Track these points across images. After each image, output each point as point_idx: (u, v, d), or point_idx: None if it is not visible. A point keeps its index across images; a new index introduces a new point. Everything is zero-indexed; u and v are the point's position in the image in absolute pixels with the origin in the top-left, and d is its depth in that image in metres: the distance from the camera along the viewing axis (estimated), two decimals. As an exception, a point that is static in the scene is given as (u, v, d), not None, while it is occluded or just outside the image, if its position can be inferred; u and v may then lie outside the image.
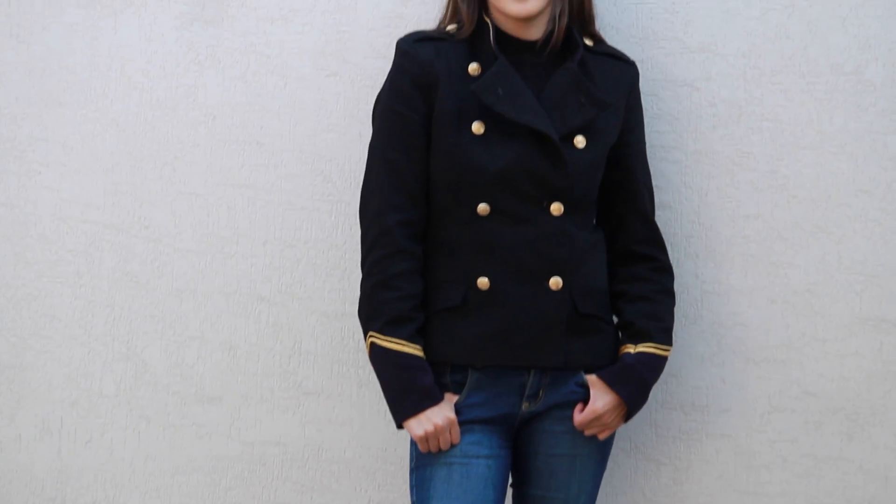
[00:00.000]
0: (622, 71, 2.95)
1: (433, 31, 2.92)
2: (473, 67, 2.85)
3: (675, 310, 2.98)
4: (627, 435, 3.17)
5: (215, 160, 3.27)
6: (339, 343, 3.25)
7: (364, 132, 3.18)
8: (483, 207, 2.83)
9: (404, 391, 2.81)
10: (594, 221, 2.96)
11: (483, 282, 2.82)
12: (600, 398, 2.87)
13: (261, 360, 3.28)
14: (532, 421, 2.89)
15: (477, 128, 2.83)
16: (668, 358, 2.93)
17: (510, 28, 2.88)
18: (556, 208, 2.83)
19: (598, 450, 2.92)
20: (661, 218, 3.02)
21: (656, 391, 3.10)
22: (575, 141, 2.85)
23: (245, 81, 3.26)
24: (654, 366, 2.91)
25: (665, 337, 2.92)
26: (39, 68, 3.31)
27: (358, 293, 2.89)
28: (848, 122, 3.10)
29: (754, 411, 3.15)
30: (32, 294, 3.33)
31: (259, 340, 3.28)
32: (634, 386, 2.88)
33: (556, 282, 2.83)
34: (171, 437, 3.30)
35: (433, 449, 2.82)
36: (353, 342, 3.24)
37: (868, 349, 3.11)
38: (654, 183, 3.01)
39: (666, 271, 2.97)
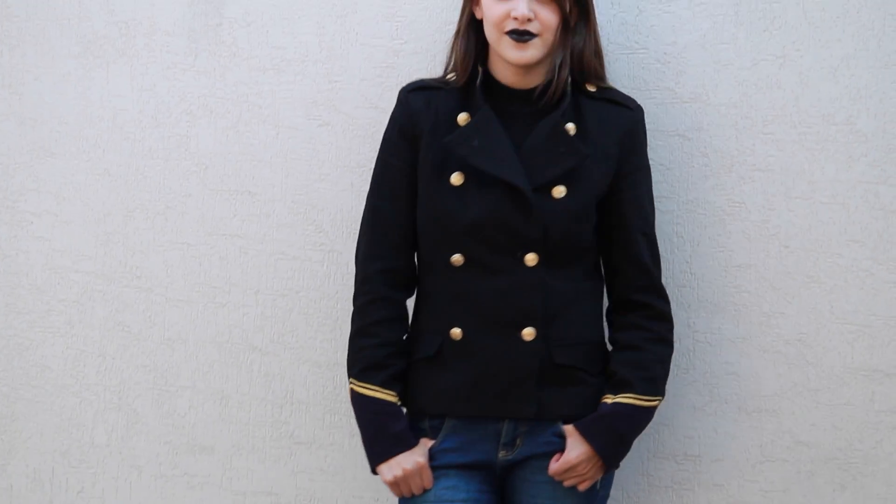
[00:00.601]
0: (619, 116, 2.91)
1: (433, 80, 2.94)
2: (463, 117, 2.86)
3: (667, 359, 2.97)
4: (620, 484, 3.16)
5: (207, 210, 3.27)
6: (330, 393, 3.25)
7: (356, 182, 3.19)
8: (457, 258, 2.84)
9: (376, 437, 2.85)
10: (589, 270, 2.93)
11: (456, 332, 2.84)
12: (574, 449, 2.85)
13: (253, 409, 3.27)
14: (513, 469, 2.89)
15: (456, 179, 2.84)
16: (658, 407, 2.90)
17: (509, 75, 2.88)
18: (531, 259, 2.83)
19: (583, 500, 2.89)
20: (653, 268, 3.03)
21: (648, 440, 3.10)
22: (553, 191, 2.83)
23: (237, 131, 3.26)
24: (633, 416, 2.86)
25: (648, 386, 2.86)
26: (31, 118, 3.31)
27: (350, 343, 2.92)
28: (839, 172, 3.10)
29: (746, 461, 3.14)
30: (24, 344, 3.33)
31: (251, 390, 3.27)
32: (608, 437, 2.85)
33: (529, 332, 2.82)
34: (163, 487, 3.30)
35: (406, 494, 2.85)
36: (344, 392, 3.21)
37: (860, 399, 3.11)
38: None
39: (661, 318, 2.92)
